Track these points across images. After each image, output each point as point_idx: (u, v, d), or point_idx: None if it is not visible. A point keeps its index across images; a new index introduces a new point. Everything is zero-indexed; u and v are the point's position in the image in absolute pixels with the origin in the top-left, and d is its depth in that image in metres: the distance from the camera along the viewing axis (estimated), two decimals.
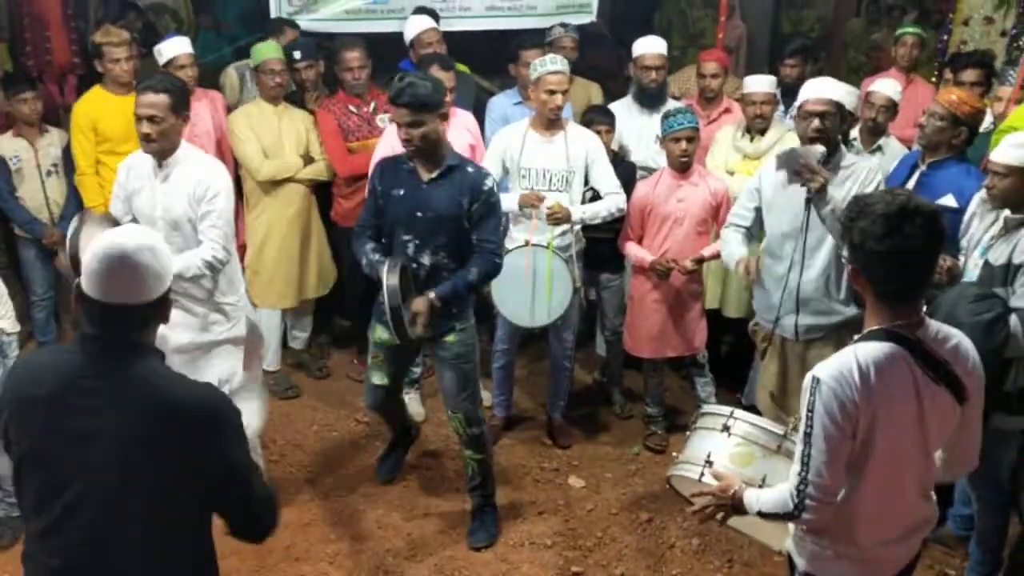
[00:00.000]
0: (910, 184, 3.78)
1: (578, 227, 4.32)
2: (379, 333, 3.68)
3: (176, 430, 1.93)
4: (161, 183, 3.50)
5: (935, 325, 2.20)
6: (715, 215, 4.33)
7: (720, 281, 4.81)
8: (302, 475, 4.32)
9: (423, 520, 4.01)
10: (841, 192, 3.40)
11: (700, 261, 4.30)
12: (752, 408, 4.17)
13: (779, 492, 2.24)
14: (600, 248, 4.56)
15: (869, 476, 2.17)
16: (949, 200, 3.59)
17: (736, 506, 2.37)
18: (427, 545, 3.85)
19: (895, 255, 2.07)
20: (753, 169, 4.35)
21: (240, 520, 2.11)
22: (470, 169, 3.52)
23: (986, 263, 3.21)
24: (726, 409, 2.85)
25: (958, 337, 2.22)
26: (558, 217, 4.11)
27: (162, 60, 4.75)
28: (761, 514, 2.30)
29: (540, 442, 4.65)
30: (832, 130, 3.43)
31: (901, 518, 2.28)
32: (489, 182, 3.49)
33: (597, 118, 4.55)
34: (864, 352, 2.11)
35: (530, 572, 3.73)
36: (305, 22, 5.49)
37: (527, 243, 4.17)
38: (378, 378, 3.79)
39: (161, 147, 3.44)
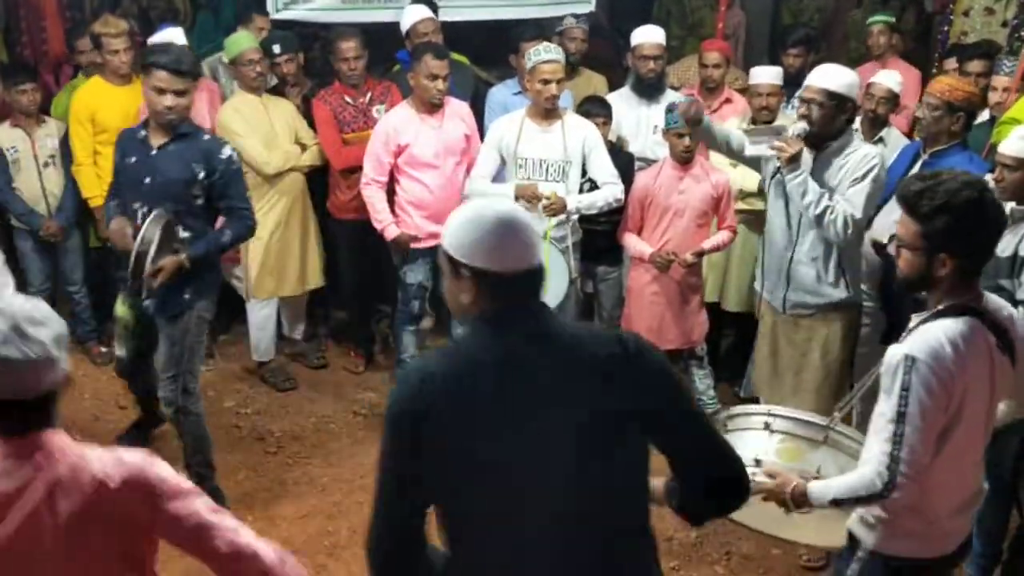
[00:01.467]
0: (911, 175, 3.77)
1: (575, 217, 4.29)
2: (117, 306, 3.66)
3: (627, 379, 1.75)
4: None
5: (991, 297, 2.32)
6: (716, 208, 4.30)
7: (720, 274, 4.78)
8: (299, 467, 4.31)
9: None
10: (836, 176, 3.44)
11: (700, 254, 4.27)
12: (750, 400, 4.17)
13: (859, 476, 2.22)
14: (597, 240, 4.52)
15: (950, 447, 2.22)
16: None
17: (798, 500, 2.32)
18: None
19: (991, 231, 2.22)
20: None
21: (712, 462, 1.84)
22: (205, 137, 3.58)
23: None
24: (762, 407, 2.76)
25: (1008, 306, 2.34)
26: (554, 209, 4.09)
27: None
28: (835, 502, 2.27)
29: None
30: (820, 117, 3.41)
31: (971, 486, 2.37)
32: (227, 150, 3.55)
33: (594, 109, 4.49)
34: (949, 328, 2.19)
35: None
36: (301, 11, 5.44)
37: None
38: (119, 349, 3.76)
39: None
